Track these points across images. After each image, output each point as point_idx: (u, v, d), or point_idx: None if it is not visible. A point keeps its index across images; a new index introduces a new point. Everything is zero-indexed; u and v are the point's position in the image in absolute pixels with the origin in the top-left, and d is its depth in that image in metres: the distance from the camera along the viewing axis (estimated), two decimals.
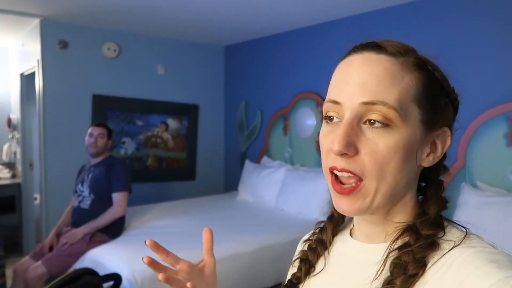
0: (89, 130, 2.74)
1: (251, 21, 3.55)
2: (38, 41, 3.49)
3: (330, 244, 0.68)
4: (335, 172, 0.54)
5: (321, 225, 0.71)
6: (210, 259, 0.73)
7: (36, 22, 3.52)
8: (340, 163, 0.53)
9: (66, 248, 2.49)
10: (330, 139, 0.54)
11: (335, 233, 0.68)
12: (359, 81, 0.52)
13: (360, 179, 0.53)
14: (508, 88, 2.39)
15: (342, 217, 0.69)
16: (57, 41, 3.52)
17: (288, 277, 0.72)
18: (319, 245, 0.68)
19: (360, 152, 0.52)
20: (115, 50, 3.80)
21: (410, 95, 0.52)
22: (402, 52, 0.54)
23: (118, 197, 2.64)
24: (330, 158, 0.55)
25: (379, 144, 0.51)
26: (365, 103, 0.51)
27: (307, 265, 0.67)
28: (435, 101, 0.55)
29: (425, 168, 0.58)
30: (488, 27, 2.49)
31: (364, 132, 0.52)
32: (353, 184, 0.53)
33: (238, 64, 4.46)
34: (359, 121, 0.53)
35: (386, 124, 0.51)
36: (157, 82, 4.11)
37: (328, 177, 0.56)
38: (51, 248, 2.63)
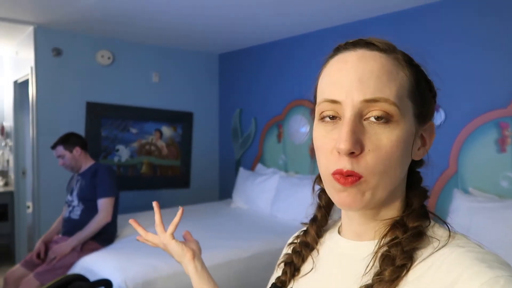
0: None
1: (245, 29, 3.58)
2: (32, 48, 3.49)
3: (317, 244, 0.67)
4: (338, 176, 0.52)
5: (305, 227, 0.71)
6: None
7: (30, 29, 3.53)
8: (346, 164, 0.51)
9: (57, 260, 2.46)
10: (332, 139, 0.53)
11: (319, 235, 0.68)
12: (357, 78, 0.52)
13: (360, 176, 0.51)
14: (498, 94, 2.42)
15: (325, 218, 0.69)
16: (51, 48, 3.52)
17: (272, 280, 0.72)
18: (304, 248, 0.68)
19: (364, 150, 0.51)
20: (109, 58, 3.80)
21: (406, 90, 0.53)
22: (391, 49, 0.56)
23: (103, 203, 2.60)
24: (333, 160, 0.53)
25: (382, 140, 0.51)
26: (367, 101, 0.51)
27: (292, 268, 0.67)
28: (424, 95, 0.57)
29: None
30: (478, 34, 2.52)
31: (367, 129, 0.52)
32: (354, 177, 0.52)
33: (232, 72, 4.48)
34: (360, 118, 0.52)
35: (387, 119, 0.51)
36: (152, 90, 4.12)
37: (328, 179, 0.54)
38: (38, 256, 2.60)
